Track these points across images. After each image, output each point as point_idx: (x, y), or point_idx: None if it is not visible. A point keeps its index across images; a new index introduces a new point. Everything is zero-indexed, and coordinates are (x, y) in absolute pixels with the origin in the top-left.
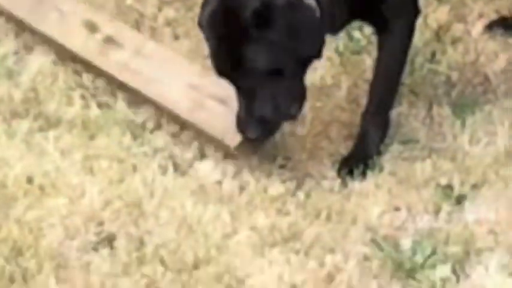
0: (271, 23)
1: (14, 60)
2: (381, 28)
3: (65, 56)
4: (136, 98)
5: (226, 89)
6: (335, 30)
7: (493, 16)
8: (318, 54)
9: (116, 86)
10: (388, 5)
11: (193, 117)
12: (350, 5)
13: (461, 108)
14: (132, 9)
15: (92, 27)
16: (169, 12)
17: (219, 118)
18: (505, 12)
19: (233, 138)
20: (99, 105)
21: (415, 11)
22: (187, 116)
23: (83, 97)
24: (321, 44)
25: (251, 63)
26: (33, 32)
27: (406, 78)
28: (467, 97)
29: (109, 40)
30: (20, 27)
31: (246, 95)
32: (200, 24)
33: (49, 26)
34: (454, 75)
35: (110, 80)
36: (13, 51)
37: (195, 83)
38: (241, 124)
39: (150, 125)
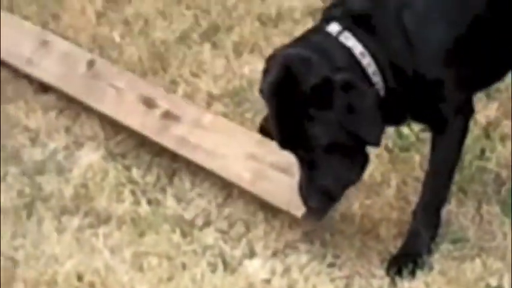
0: (329, 103)
1: (64, 155)
2: (438, 127)
3: (122, 135)
4: (184, 195)
5: (287, 157)
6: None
7: None
8: (375, 140)
9: (177, 161)
10: (448, 104)
11: (256, 189)
12: (407, 103)
13: (511, 206)
14: None
15: (149, 103)
16: (218, 107)
17: (282, 188)
18: None
19: (299, 207)
20: (149, 202)
21: (471, 110)
22: (250, 188)
23: (132, 193)
24: (380, 129)
25: (309, 140)
26: (87, 115)
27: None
28: None
29: (167, 115)
30: (71, 120)
31: (306, 164)
32: (261, 92)
33: (106, 105)
34: (504, 173)
35: (171, 156)
36: (63, 146)
37: (255, 153)
38: (303, 193)
39: (199, 221)
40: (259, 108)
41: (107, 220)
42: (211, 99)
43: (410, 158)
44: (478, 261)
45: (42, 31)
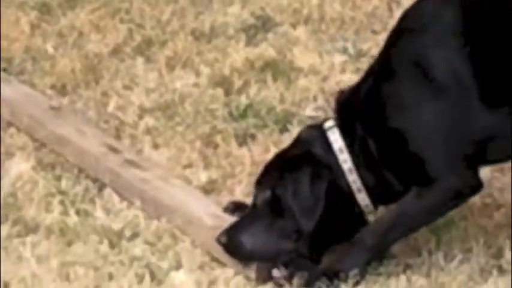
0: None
1: None
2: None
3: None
4: (113, 206)
5: None
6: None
7: None
8: (307, 228)
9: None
10: (433, 165)
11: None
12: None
13: (437, 224)
14: (113, 116)
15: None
16: (149, 120)
17: None
18: None
19: None
20: (78, 212)
21: (470, 181)
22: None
23: (61, 203)
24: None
25: None
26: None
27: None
28: None
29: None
30: (2, 130)
31: None
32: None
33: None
34: None
35: None
36: None
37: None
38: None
39: (127, 232)
40: (189, 123)
41: (35, 229)
42: (142, 112)
43: None
44: (403, 277)
45: None
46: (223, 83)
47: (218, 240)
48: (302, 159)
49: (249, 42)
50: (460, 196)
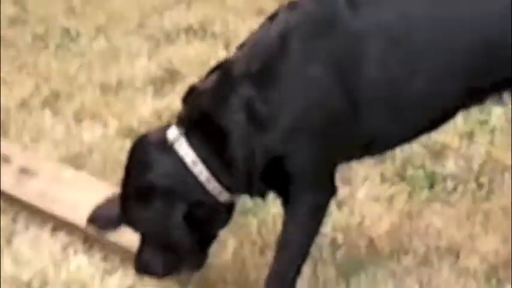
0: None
1: None
2: (287, 202)
3: None
4: (21, 257)
5: None
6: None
7: (378, 179)
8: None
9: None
10: (296, 182)
11: (121, 241)
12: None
13: (346, 269)
14: None
15: (4, 159)
16: None
17: None
18: (389, 175)
19: None
20: None
21: (329, 190)
22: (115, 240)
23: None
24: (189, 245)
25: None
26: None
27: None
28: (352, 258)
29: (23, 171)
30: None
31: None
32: None
33: None
34: (339, 237)
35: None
36: None
37: None
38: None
39: (36, 283)
40: (97, 174)
41: None
42: None
43: (247, 223)
44: None
45: None
46: (131, 134)
47: (138, 271)
48: (148, 194)
49: (157, 94)
50: (322, 208)
